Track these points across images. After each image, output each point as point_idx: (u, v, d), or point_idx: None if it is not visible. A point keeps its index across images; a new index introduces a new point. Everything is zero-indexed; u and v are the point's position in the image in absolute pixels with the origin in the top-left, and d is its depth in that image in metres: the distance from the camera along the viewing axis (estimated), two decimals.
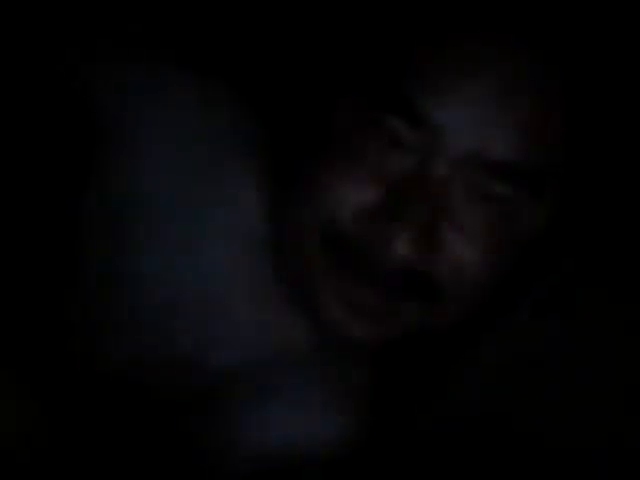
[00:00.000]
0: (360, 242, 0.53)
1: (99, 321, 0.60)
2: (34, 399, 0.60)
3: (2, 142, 0.60)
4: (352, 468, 0.58)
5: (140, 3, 0.63)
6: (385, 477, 0.60)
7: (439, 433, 0.58)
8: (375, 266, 0.53)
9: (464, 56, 0.53)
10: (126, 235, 0.59)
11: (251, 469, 0.58)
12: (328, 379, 0.60)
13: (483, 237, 0.54)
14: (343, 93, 0.56)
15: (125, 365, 0.60)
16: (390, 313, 0.55)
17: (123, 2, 0.62)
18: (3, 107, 0.60)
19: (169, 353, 0.59)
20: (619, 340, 0.59)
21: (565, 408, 0.58)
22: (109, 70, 0.59)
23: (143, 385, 0.60)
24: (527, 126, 0.53)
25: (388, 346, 0.60)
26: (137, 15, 0.63)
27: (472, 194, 0.54)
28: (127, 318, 0.59)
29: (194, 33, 0.65)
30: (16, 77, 0.60)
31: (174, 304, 0.59)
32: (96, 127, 0.59)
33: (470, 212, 0.54)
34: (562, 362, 0.58)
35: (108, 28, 0.61)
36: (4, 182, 0.60)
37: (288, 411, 0.59)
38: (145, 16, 0.63)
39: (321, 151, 0.56)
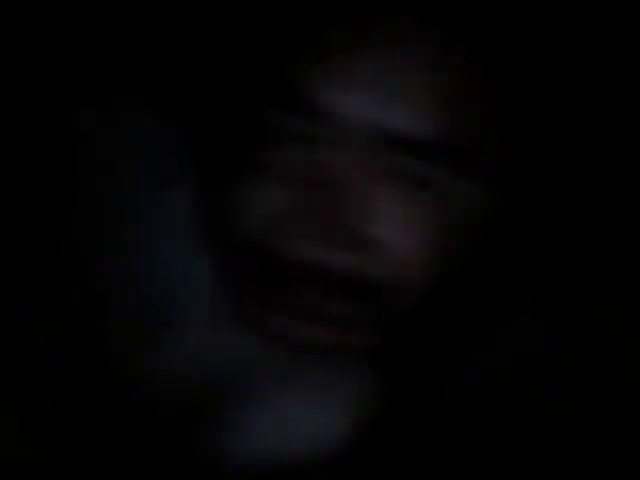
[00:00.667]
0: (275, 251, 0.51)
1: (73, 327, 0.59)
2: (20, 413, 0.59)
3: None
4: (351, 469, 0.58)
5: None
6: (384, 478, 0.59)
7: (438, 434, 0.58)
8: (299, 275, 0.50)
9: (357, 32, 0.50)
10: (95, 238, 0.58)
11: (249, 475, 0.58)
12: (324, 381, 0.59)
13: (411, 223, 0.51)
14: (236, 99, 0.53)
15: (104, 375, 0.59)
16: (331, 317, 0.53)
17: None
18: None
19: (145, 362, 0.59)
20: (620, 340, 0.58)
21: (566, 409, 0.58)
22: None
23: (124, 397, 0.59)
24: (431, 101, 0.50)
25: (380, 346, 0.59)
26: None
27: (386, 178, 0.51)
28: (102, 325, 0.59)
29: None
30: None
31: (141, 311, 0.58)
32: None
33: (389, 199, 0.51)
34: (563, 362, 0.58)
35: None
36: None
37: (284, 416, 0.58)
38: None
39: (230, 163, 0.53)
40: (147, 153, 0.60)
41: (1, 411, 0.58)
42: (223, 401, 0.57)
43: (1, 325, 0.59)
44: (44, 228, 0.59)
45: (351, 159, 0.50)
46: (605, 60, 0.58)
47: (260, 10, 0.55)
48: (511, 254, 0.58)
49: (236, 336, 0.58)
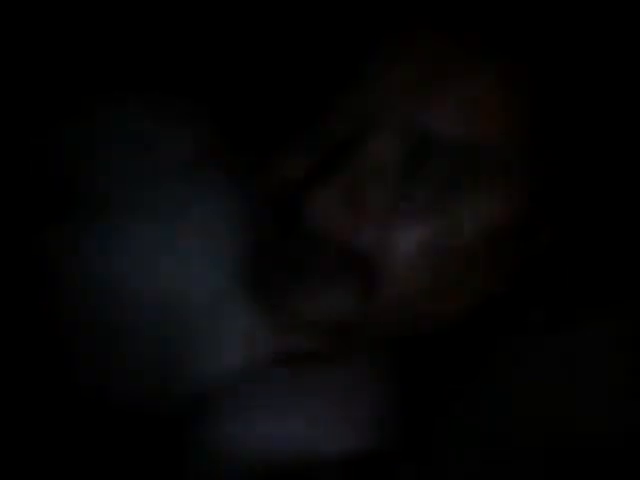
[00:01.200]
0: (293, 208, 0.53)
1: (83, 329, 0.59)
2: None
3: None
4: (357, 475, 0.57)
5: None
6: None
7: (447, 445, 0.57)
8: (301, 233, 0.53)
9: (405, 43, 0.54)
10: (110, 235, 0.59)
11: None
12: (330, 384, 0.59)
13: (426, 223, 0.53)
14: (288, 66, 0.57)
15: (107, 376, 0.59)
16: (329, 295, 0.54)
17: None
18: None
19: (154, 362, 0.59)
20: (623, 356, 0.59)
21: (576, 425, 0.58)
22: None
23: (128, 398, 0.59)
24: (461, 102, 0.53)
25: (388, 350, 0.59)
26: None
27: (409, 168, 0.53)
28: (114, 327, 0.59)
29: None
30: None
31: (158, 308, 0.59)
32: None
33: (410, 191, 0.53)
34: (571, 378, 0.58)
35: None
36: None
37: (291, 419, 0.58)
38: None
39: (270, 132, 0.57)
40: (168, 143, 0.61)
41: None
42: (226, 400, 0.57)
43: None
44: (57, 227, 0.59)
45: (381, 142, 0.53)
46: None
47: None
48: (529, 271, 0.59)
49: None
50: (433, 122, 0.52)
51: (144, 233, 0.60)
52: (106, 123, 0.62)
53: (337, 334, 0.57)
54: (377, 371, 0.60)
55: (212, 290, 0.59)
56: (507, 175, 0.54)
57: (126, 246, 0.59)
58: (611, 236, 0.60)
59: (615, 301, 0.57)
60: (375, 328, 0.56)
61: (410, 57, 0.53)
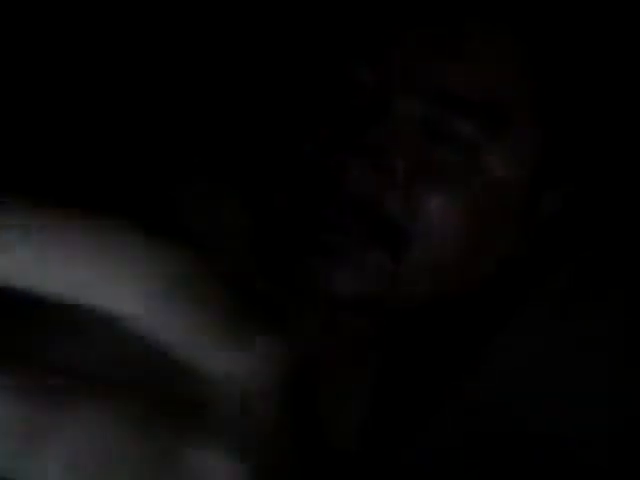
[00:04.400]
0: (321, 173, 0.53)
1: None
2: None
3: None
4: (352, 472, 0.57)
5: None
6: None
7: (437, 448, 0.57)
8: (335, 200, 0.53)
9: (425, 6, 0.55)
10: None
11: None
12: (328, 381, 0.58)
13: (450, 183, 0.53)
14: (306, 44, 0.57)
15: None
16: (356, 260, 0.54)
17: None
18: None
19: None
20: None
21: (578, 415, 0.57)
22: None
23: None
24: (480, 66, 0.54)
25: (390, 342, 0.58)
26: None
27: (434, 133, 0.53)
28: None
29: None
30: None
31: None
32: None
33: (434, 154, 0.53)
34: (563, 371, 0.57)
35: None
36: None
37: None
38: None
39: (292, 107, 0.57)
40: None
41: None
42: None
43: None
44: None
45: (405, 108, 0.53)
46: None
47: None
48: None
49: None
50: (452, 84, 0.53)
51: None
52: None
53: (368, 308, 0.57)
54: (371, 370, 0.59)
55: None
56: (522, 135, 0.55)
57: None
58: (625, 201, 0.60)
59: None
60: (405, 297, 0.56)
61: (425, 22, 0.54)
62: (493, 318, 0.59)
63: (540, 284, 0.59)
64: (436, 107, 0.53)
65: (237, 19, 0.65)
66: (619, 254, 0.60)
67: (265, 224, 0.57)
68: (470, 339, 0.59)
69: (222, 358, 0.20)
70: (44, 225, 0.18)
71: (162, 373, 0.20)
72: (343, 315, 0.57)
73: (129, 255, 0.19)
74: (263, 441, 0.20)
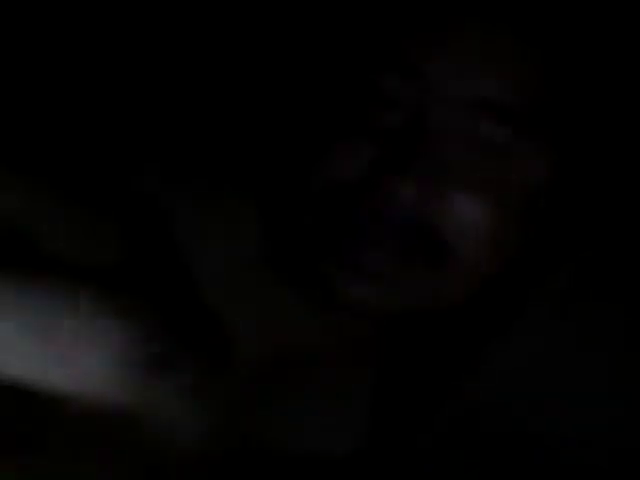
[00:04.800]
0: (360, 198, 0.54)
1: None
2: None
3: None
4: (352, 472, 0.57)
5: None
6: None
7: (439, 447, 0.57)
8: (375, 222, 0.53)
9: (450, 17, 0.56)
10: None
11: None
12: (328, 381, 0.59)
13: (488, 191, 0.54)
14: (338, 62, 0.57)
15: None
16: (392, 274, 0.54)
17: None
18: None
19: None
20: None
21: (579, 414, 0.57)
22: None
23: None
24: (511, 72, 0.54)
25: (392, 341, 0.58)
26: None
27: (471, 143, 0.54)
28: None
29: None
30: None
31: None
32: None
33: (472, 164, 0.54)
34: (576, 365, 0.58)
35: None
36: None
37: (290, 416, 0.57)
38: None
39: (318, 122, 0.57)
40: None
41: None
42: None
43: None
44: None
45: (440, 121, 0.54)
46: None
47: None
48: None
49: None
50: (485, 91, 0.54)
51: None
52: None
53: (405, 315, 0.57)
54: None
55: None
56: (543, 138, 0.56)
57: None
58: (626, 201, 0.61)
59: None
60: (443, 299, 0.56)
61: (452, 41, 0.55)
62: (493, 318, 0.59)
63: (540, 284, 0.59)
64: (470, 115, 0.54)
65: (270, 33, 0.66)
66: (619, 254, 0.60)
67: (288, 236, 0.57)
68: (470, 339, 0.59)
69: None
70: None
71: None
72: (345, 316, 0.57)
73: None
74: None
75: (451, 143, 0.54)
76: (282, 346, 0.58)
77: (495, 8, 0.55)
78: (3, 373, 0.48)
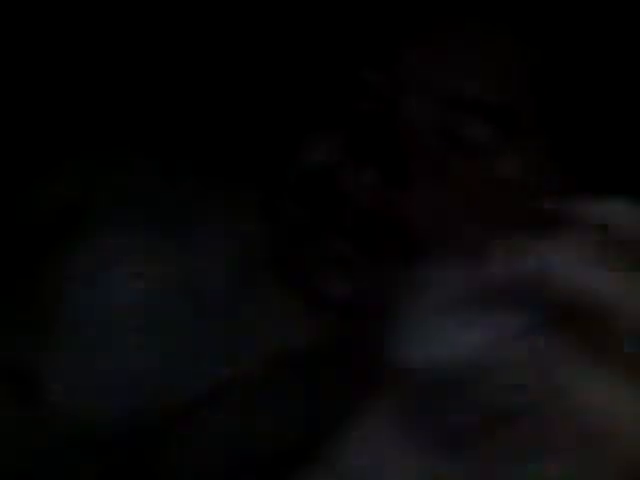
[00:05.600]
0: (334, 183, 0.53)
1: None
2: None
3: None
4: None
5: None
6: None
7: None
8: (348, 209, 0.53)
9: (436, 13, 0.55)
10: None
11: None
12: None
13: (463, 189, 0.54)
14: (318, 51, 0.57)
15: None
16: (364, 265, 0.54)
17: None
18: None
19: None
20: None
21: None
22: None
23: None
24: (494, 68, 0.54)
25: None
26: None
27: (447, 138, 0.53)
28: None
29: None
30: None
31: None
32: None
33: (447, 159, 0.53)
34: None
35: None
36: None
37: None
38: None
39: (295, 109, 0.58)
40: None
41: None
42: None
43: None
44: None
45: (413, 111, 0.54)
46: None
47: None
48: None
49: None
50: (468, 87, 0.53)
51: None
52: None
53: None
54: None
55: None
56: (530, 138, 0.55)
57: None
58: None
59: None
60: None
61: (435, 25, 0.55)
62: None
63: None
64: (450, 111, 0.53)
65: (246, 26, 0.66)
66: None
67: (280, 230, 0.58)
68: None
69: None
70: None
71: None
72: (331, 315, 0.57)
73: None
74: None
75: (423, 137, 0.53)
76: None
77: (484, 6, 0.55)
78: None
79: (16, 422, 0.56)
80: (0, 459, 0.56)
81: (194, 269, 0.58)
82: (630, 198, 0.58)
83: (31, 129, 0.62)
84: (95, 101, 0.63)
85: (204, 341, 0.57)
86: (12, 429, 0.56)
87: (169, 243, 0.58)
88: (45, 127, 0.63)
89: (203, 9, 0.64)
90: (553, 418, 0.30)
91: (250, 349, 0.58)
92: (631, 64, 0.57)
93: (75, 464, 0.55)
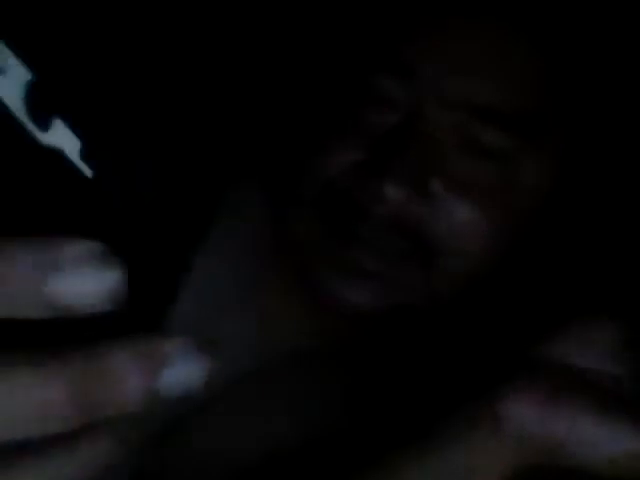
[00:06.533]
0: (353, 198, 0.54)
1: None
2: None
3: None
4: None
5: None
6: None
7: None
8: (369, 222, 0.53)
9: (453, 18, 0.55)
10: None
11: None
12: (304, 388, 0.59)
13: (482, 195, 0.54)
14: (333, 61, 0.57)
15: None
16: (387, 276, 0.54)
17: None
18: None
19: None
20: None
21: None
22: None
23: None
24: (511, 74, 0.54)
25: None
26: None
27: (466, 146, 0.53)
28: None
29: None
30: None
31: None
32: None
33: (466, 166, 0.53)
34: None
35: None
36: None
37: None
38: None
39: (314, 123, 0.57)
40: None
41: None
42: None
43: None
44: None
45: (436, 122, 0.53)
46: None
47: None
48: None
49: None
50: (485, 96, 0.53)
51: None
52: None
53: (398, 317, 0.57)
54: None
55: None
56: (547, 145, 0.55)
57: None
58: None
59: None
60: (429, 299, 0.56)
61: (453, 43, 0.54)
62: (480, 319, 0.58)
63: (531, 287, 0.59)
64: (469, 120, 0.53)
65: (268, 31, 0.66)
66: (621, 256, 0.59)
67: (293, 238, 0.58)
68: (457, 339, 0.59)
69: None
70: None
71: None
72: (333, 317, 0.57)
73: None
74: None
75: (444, 145, 0.53)
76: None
77: (499, 11, 0.55)
78: None
79: None
80: None
81: (194, 269, 0.58)
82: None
83: None
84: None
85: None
86: None
87: None
88: None
89: (205, 10, 0.64)
90: None
91: (250, 349, 0.58)
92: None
93: None
